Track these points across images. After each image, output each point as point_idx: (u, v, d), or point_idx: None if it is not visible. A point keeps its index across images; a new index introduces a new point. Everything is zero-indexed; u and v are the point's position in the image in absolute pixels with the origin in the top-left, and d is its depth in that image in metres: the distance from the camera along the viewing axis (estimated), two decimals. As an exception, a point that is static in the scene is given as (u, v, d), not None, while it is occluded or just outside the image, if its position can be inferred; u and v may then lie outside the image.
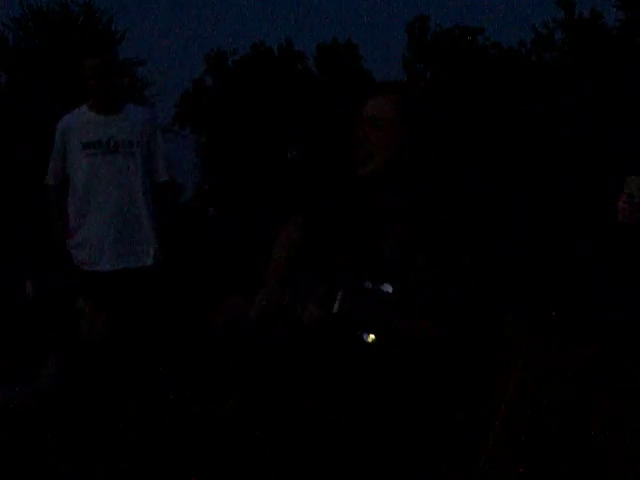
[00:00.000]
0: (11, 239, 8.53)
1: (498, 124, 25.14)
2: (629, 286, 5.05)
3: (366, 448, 3.41)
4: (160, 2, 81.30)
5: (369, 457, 3.40)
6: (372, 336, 3.23)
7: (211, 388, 5.25)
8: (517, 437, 4.33)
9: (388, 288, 3.26)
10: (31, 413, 5.21)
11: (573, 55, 27.07)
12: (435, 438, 3.53)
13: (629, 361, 4.74)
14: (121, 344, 5.21)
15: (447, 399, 3.58)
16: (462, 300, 3.40)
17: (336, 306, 3.25)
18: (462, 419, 3.62)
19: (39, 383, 5.32)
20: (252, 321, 3.78)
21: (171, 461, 4.88)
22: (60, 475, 4.91)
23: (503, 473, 4.13)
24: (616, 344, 4.97)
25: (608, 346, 5.06)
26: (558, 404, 4.69)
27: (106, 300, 5.26)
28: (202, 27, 75.95)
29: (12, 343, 5.50)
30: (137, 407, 5.33)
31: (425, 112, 3.67)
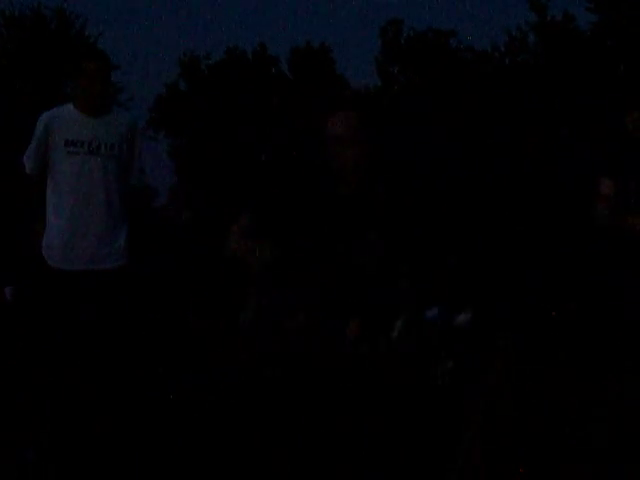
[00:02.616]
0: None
1: (472, 126, 25.20)
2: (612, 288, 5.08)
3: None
4: (133, 7, 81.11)
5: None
6: (450, 364, 3.21)
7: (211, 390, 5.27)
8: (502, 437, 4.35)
9: (463, 317, 3.27)
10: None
11: (546, 58, 27.18)
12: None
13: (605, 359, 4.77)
14: (91, 345, 5.22)
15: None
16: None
17: (395, 334, 3.20)
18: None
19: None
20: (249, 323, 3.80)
21: (168, 462, 4.89)
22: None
23: (503, 473, 4.15)
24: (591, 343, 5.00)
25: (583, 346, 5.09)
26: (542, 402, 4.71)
27: (72, 299, 5.26)
28: (175, 31, 75.78)
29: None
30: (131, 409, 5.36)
31: (382, 125, 3.73)
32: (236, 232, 4.13)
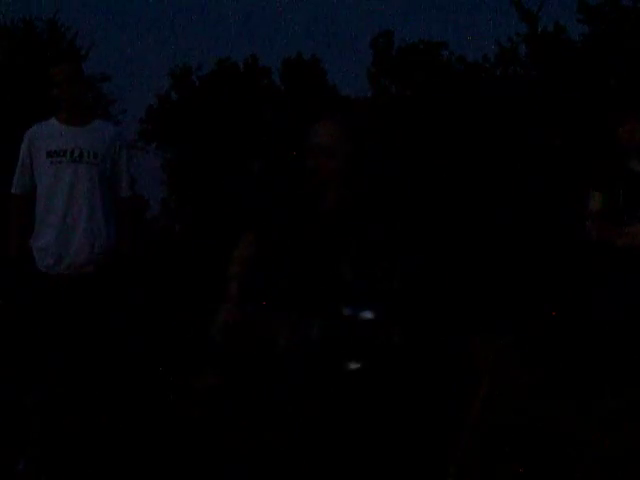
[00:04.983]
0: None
1: (463, 137, 25.21)
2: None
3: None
4: (125, 18, 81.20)
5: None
6: (356, 365, 3.21)
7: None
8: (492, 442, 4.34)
9: (367, 314, 3.25)
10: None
11: (537, 69, 27.20)
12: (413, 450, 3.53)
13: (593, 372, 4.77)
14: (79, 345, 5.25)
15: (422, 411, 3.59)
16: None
17: (314, 334, 3.21)
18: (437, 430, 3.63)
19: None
20: (217, 338, 3.78)
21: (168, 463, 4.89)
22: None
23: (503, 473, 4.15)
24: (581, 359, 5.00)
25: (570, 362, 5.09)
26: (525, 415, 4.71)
27: (61, 304, 5.29)
28: (167, 43, 75.94)
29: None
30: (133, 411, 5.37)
31: (369, 134, 3.69)
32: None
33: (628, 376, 4.60)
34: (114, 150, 5.54)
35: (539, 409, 4.85)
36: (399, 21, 78.17)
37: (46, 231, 5.41)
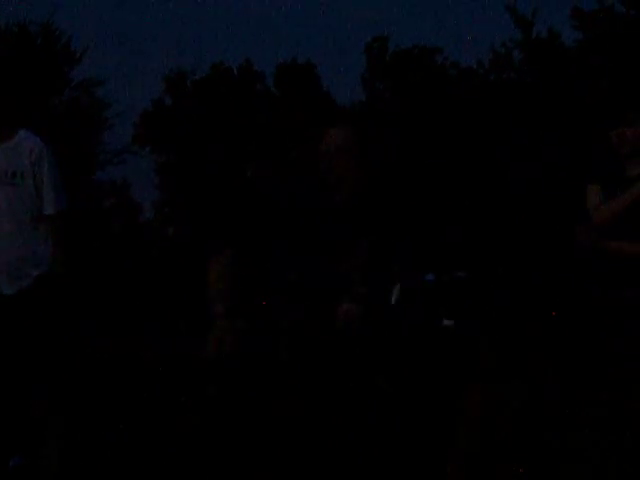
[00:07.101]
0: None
1: (457, 143, 25.25)
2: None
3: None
4: (120, 22, 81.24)
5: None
6: (449, 321, 3.38)
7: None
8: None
9: (461, 274, 3.41)
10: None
11: (531, 75, 27.27)
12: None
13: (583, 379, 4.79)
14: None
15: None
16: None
17: (394, 298, 3.38)
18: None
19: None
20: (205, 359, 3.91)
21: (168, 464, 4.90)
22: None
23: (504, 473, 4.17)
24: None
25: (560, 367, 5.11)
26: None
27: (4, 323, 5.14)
28: (162, 47, 76.02)
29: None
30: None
31: (380, 138, 3.88)
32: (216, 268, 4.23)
33: (626, 374, 4.61)
34: (36, 165, 5.23)
35: (539, 408, 4.87)
36: (393, 26, 78.35)
37: None
